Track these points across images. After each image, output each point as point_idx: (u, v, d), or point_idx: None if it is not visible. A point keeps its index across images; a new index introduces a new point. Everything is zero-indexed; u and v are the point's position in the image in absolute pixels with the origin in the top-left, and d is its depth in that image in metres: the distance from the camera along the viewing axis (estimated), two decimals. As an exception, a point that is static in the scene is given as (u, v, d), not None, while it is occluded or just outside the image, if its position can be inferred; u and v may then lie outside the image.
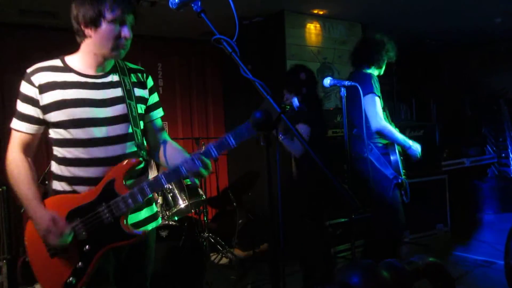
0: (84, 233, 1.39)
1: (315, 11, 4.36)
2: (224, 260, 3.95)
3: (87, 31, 1.40)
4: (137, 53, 4.72)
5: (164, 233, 2.88)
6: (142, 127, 1.57)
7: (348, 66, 4.79)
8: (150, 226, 1.59)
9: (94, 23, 1.38)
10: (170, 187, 3.35)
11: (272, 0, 3.94)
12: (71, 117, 1.41)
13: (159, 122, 1.67)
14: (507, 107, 5.36)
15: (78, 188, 1.44)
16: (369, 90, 2.47)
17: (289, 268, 3.44)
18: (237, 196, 4.56)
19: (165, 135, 1.69)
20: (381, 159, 2.57)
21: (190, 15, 1.24)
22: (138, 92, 1.56)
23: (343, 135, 2.44)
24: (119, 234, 1.40)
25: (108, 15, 1.37)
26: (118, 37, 1.41)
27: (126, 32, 1.41)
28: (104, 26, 1.38)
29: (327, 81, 2.39)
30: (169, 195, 3.36)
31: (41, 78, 1.42)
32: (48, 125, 1.45)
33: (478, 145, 5.36)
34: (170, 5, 1.25)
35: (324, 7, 4.27)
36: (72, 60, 1.48)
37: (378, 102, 2.53)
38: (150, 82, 1.62)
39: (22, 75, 1.46)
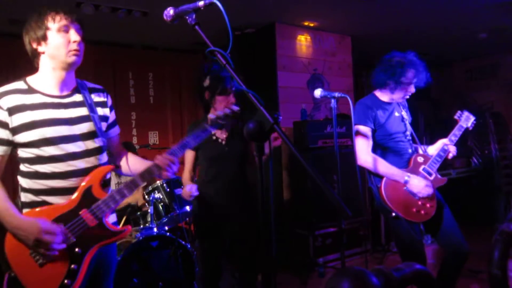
0: (71, 237, 1.46)
1: (306, 23, 4.44)
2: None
3: (40, 48, 1.51)
4: (128, 63, 4.75)
5: (154, 243, 2.86)
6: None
7: (338, 77, 4.94)
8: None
9: (43, 38, 1.49)
10: (161, 196, 3.33)
11: (263, 12, 4.01)
12: (42, 137, 1.48)
13: (116, 139, 1.79)
14: (492, 120, 5.49)
15: (50, 198, 1.50)
16: (354, 122, 2.40)
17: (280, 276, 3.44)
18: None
19: (123, 150, 1.81)
20: None
21: (181, 26, 1.26)
22: (101, 111, 1.66)
23: (333, 146, 2.47)
24: (105, 233, 1.52)
25: (52, 26, 1.48)
26: (67, 42, 1.50)
27: (73, 35, 1.51)
28: (52, 36, 1.48)
29: (318, 92, 2.42)
30: (159, 204, 3.35)
31: (9, 101, 1.48)
32: (15, 145, 1.51)
33: (464, 157, 5.47)
34: (165, 17, 1.27)
35: (315, 19, 4.35)
36: (35, 81, 1.55)
37: (359, 132, 2.39)
38: (109, 101, 1.73)
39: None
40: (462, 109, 2.70)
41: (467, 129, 2.59)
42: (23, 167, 1.54)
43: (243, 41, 4.47)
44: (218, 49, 1.07)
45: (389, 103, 2.48)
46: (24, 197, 1.54)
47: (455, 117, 2.65)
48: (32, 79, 1.56)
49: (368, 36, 4.92)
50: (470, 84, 6.67)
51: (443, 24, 4.61)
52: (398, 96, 2.44)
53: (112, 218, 1.68)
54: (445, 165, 5.01)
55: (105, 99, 1.71)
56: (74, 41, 1.51)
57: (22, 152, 1.51)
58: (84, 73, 5.11)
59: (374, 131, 2.41)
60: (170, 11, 1.25)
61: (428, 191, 2.29)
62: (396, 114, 2.49)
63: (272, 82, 4.32)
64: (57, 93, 1.56)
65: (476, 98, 6.39)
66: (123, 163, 1.78)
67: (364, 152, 2.35)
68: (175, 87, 5.03)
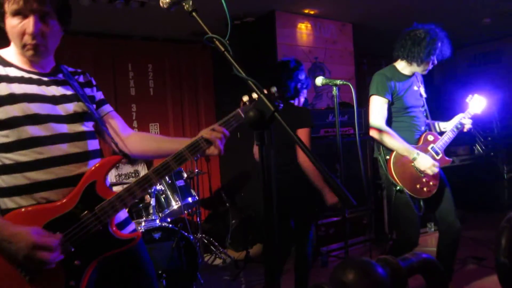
0: (69, 247, 1.18)
1: (306, 11, 4.38)
2: (218, 261, 3.94)
3: (5, 28, 1.23)
4: (127, 55, 4.71)
5: (157, 235, 2.86)
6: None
7: (339, 65, 4.88)
8: (133, 226, 1.46)
9: (2, 18, 1.20)
10: (163, 188, 3.33)
11: (263, 0, 3.95)
12: (25, 113, 1.20)
13: (115, 114, 1.49)
14: (495, 106, 5.43)
15: (41, 196, 1.20)
16: (369, 93, 2.42)
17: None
18: (230, 197, 4.55)
19: (127, 130, 1.51)
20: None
21: (180, 15, 1.23)
22: (87, 91, 1.41)
23: (335, 135, 2.44)
24: (110, 241, 1.24)
25: (8, 7, 1.17)
26: (22, 33, 1.19)
27: (28, 26, 1.17)
28: (7, 21, 1.19)
29: (319, 80, 2.39)
30: (161, 196, 3.34)
31: None
32: None
33: (467, 144, 5.43)
34: (161, 4, 1.23)
35: (315, 7, 4.28)
36: (7, 54, 1.28)
37: (375, 103, 2.38)
38: (93, 80, 1.48)
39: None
40: (466, 96, 2.69)
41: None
42: None
43: (242, 31, 4.41)
44: (216, 36, 1.04)
45: (409, 76, 2.47)
46: (4, 202, 1.21)
47: (467, 100, 2.66)
48: (4, 52, 1.28)
49: (369, 23, 4.85)
50: (474, 70, 6.59)
51: (446, 9, 4.53)
52: (423, 68, 2.43)
53: (123, 214, 1.40)
54: (448, 152, 4.97)
55: (90, 79, 1.46)
56: (28, 33, 1.18)
57: None
58: (84, 65, 5.07)
59: (391, 104, 2.41)
60: (166, -3, 1.21)
61: (434, 170, 2.32)
62: (415, 88, 2.48)
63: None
64: (34, 69, 1.29)
65: (480, 85, 6.32)
66: (133, 145, 1.46)
67: (377, 123, 2.35)
68: (175, 78, 4.99)
